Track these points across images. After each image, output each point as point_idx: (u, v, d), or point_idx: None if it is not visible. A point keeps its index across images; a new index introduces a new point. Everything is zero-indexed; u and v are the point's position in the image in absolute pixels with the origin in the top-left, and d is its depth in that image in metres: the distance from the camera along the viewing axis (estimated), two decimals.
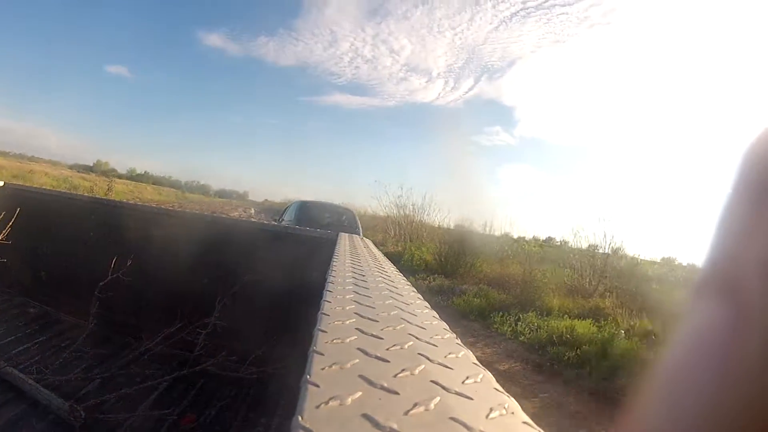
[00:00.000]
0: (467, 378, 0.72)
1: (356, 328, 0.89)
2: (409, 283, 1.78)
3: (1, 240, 3.87)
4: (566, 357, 7.17)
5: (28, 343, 3.45)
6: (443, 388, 0.65)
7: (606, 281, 11.95)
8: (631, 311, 9.76)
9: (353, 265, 1.90)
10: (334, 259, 1.98)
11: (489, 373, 0.78)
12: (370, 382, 0.62)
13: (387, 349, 0.79)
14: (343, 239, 3.27)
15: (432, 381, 0.67)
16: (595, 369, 6.75)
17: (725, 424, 0.21)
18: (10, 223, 3.96)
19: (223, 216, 4.20)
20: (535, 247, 17.79)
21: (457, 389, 0.66)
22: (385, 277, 1.77)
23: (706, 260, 0.25)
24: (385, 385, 0.62)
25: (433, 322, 1.11)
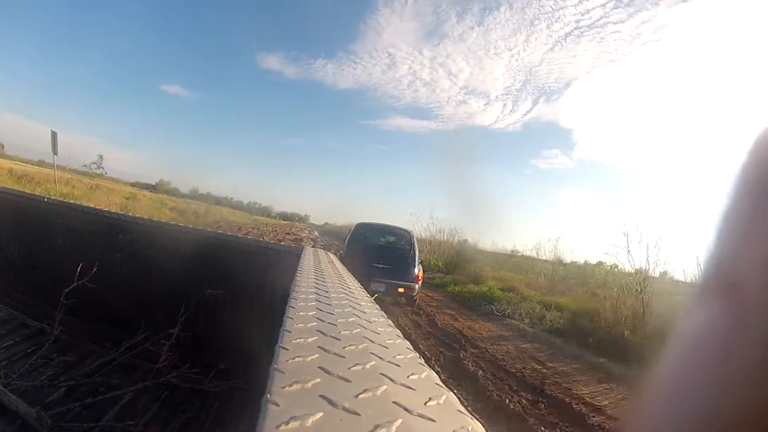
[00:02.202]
0: (430, 399, 0.72)
1: (318, 346, 0.88)
2: (372, 300, 1.77)
3: None
4: (473, 298, 14.15)
5: None
6: (405, 409, 0.65)
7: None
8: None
9: (317, 281, 1.86)
10: (298, 274, 1.95)
11: (452, 394, 0.78)
12: (332, 403, 0.62)
13: (349, 369, 0.79)
14: (308, 254, 3.24)
15: (394, 402, 0.67)
16: (479, 302, 13.61)
17: (727, 424, 0.22)
18: None
19: (184, 225, 4.09)
20: (544, 263, 20.72)
21: (419, 411, 0.66)
22: (348, 293, 1.75)
23: (708, 260, 0.26)
24: (347, 405, 0.62)
25: (396, 341, 1.11)
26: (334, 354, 0.86)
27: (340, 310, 1.33)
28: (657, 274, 11.95)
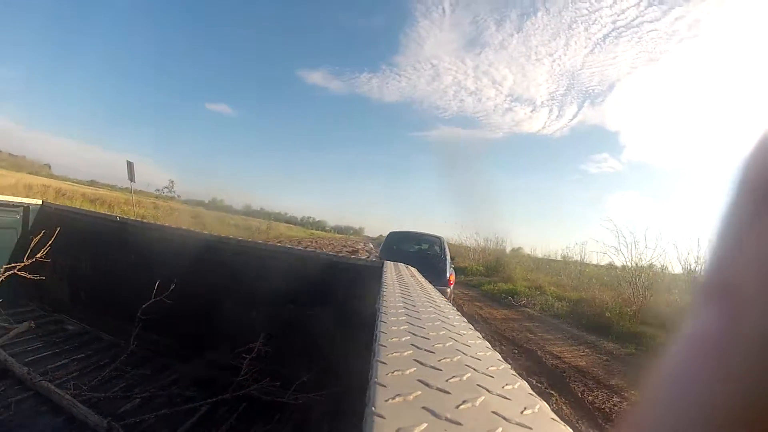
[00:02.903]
0: (525, 408, 0.75)
1: (414, 360, 0.91)
2: (459, 313, 1.77)
3: (41, 258, 3.82)
4: (501, 294, 17.06)
5: (65, 360, 3.35)
6: (504, 419, 0.67)
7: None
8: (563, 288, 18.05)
9: (403, 296, 1.88)
10: (383, 289, 1.97)
11: (545, 403, 0.80)
12: (435, 414, 0.63)
13: (447, 381, 0.81)
14: (389, 268, 3.22)
15: (493, 412, 0.69)
16: (505, 297, 16.34)
17: (726, 427, 0.21)
18: (50, 242, 3.95)
19: (263, 242, 4.05)
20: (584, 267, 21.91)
21: (517, 420, 0.68)
22: (435, 307, 1.77)
23: (708, 264, 0.26)
24: (449, 416, 0.63)
25: (487, 353, 1.13)
26: (431, 367, 0.88)
27: (430, 323, 1.36)
28: (663, 270, 14.79)
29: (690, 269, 14.04)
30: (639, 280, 13.86)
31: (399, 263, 3.96)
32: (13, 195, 4.65)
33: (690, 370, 0.24)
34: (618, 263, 16.68)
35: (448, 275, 10.31)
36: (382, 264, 3.48)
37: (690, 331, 0.26)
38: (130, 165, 17.93)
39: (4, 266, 3.64)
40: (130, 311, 3.57)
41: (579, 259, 22.57)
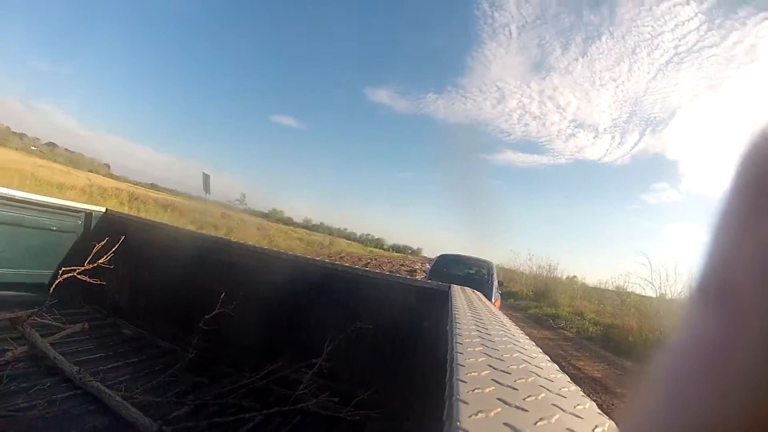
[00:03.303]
0: (596, 427, 0.78)
1: (492, 379, 0.93)
2: (528, 337, 1.79)
3: (103, 264, 3.78)
4: (544, 317, 18.21)
5: (118, 362, 3.29)
6: None
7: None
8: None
9: (474, 319, 1.90)
10: (454, 312, 1.97)
11: (612, 422, 0.82)
12: (515, 429, 0.66)
13: (524, 399, 0.83)
14: (457, 292, 3.14)
15: (567, 429, 0.73)
16: (547, 320, 17.54)
17: (724, 429, 0.21)
18: (114, 249, 3.95)
19: (330, 262, 4.04)
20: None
21: None
22: (506, 331, 1.79)
23: (703, 265, 0.25)
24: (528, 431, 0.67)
25: (558, 375, 1.15)
26: (508, 386, 0.90)
27: (503, 345, 1.39)
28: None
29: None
30: (662, 310, 15.88)
31: (466, 288, 3.87)
32: (88, 197, 4.74)
33: (686, 373, 0.24)
34: (651, 294, 18.46)
35: (493, 300, 10.08)
36: (449, 287, 3.39)
37: (686, 333, 0.25)
38: (206, 177, 19.66)
39: (63, 269, 3.57)
40: (189, 320, 3.64)
41: (623, 288, 22.55)
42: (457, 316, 1.84)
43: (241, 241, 4.62)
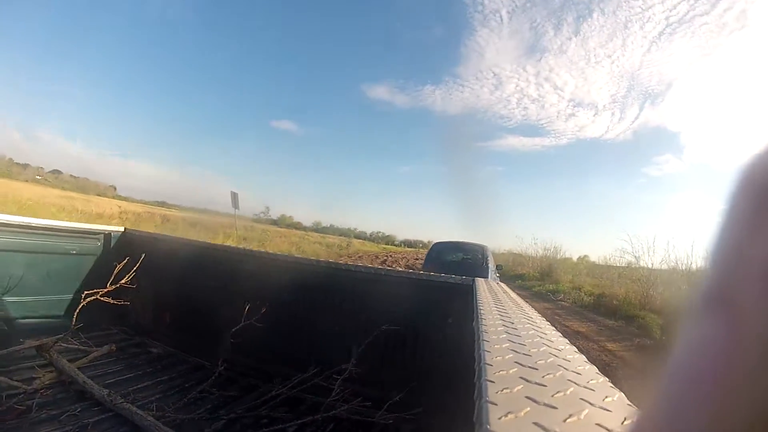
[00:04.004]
0: (626, 419, 0.77)
1: (520, 377, 0.92)
2: (554, 328, 1.77)
3: (125, 284, 3.78)
4: (546, 292, 20.67)
5: (148, 382, 3.28)
6: (608, 430, 0.70)
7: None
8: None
9: (500, 313, 1.88)
10: (480, 308, 1.95)
11: None
12: (545, 429, 0.65)
13: (552, 396, 0.83)
14: (481, 286, 3.14)
15: (597, 424, 0.72)
16: (548, 294, 20.00)
17: None
18: (135, 268, 3.94)
19: (350, 264, 4.10)
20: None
21: (620, 430, 0.71)
22: (533, 324, 1.77)
23: (705, 273, 0.25)
24: (558, 430, 0.66)
25: (586, 367, 1.15)
26: (536, 383, 0.90)
27: (530, 340, 1.38)
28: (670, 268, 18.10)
29: (686, 267, 17.55)
30: (641, 278, 17.77)
31: (490, 280, 3.91)
32: (131, 223, 4.81)
33: (690, 379, 0.24)
34: (642, 266, 20.01)
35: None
36: (473, 281, 3.38)
37: (690, 340, 0.25)
38: (234, 195, 22.14)
39: (85, 292, 3.57)
40: (216, 334, 3.61)
41: (616, 263, 24.33)
42: (482, 311, 1.84)
43: (262, 250, 4.60)
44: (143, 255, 4.10)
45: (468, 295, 2.95)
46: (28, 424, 2.40)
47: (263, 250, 4.88)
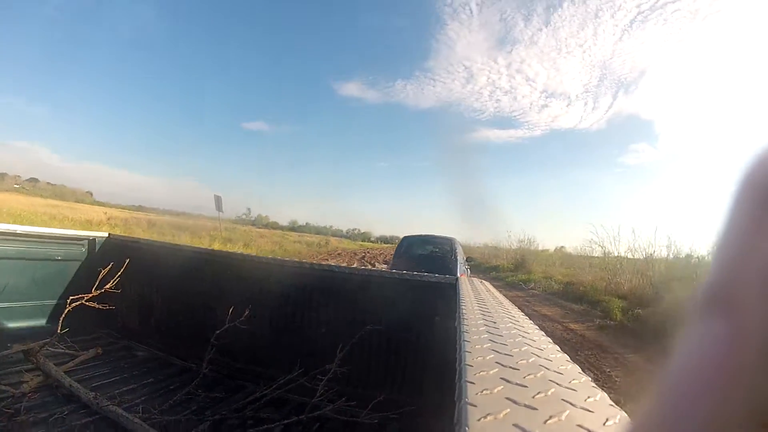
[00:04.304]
0: (608, 420, 0.78)
1: (501, 378, 0.93)
2: (537, 327, 1.80)
3: (110, 288, 3.81)
4: (518, 282, 22.35)
5: (134, 384, 3.31)
6: (589, 431, 0.71)
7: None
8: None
9: (482, 313, 1.89)
10: (462, 307, 1.96)
11: (624, 413, 0.83)
12: (524, 431, 0.66)
13: (533, 397, 0.84)
14: (464, 284, 3.18)
15: (578, 425, 0.73)
16: (520, 284, 21.62)
17: None
18: (119, 273, 3.95)
19: (334, 265, 4.09)
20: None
21: None
22: (515, 323, 1.79)
23: (707, 277, 0.25)
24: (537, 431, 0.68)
25: (568, 366, 1.16)
26: (517, 384, 0.91)
27: (512, 339, 1.39)
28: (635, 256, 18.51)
29: (647, 254, 18.08)
30: (608, 266, 18.90)
31: (473, 278, 3.99)
32: (121, 230, 4.84)
33: (691, 384, 0.24)
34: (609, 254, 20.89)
35: (458, 273, 10.14)
36: (456, 280, 3.43)
37: (690, 345, 0.25)
38: (217, 198, 22.62)
39: (71, 297, 3.58)
40: (201, 336, 3.59)
41: (588, 252, 25.11)
42: (464, 311, 1.84)
43: (244, 252, 4.62)
44: (128, 260, 4.12)
45: (453, 293, 2.96)
46: (16, 427, 2.42)
47: (247, 253, 4.90)
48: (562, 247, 32.03)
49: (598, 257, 22.13)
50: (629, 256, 18.83)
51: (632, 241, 18.93)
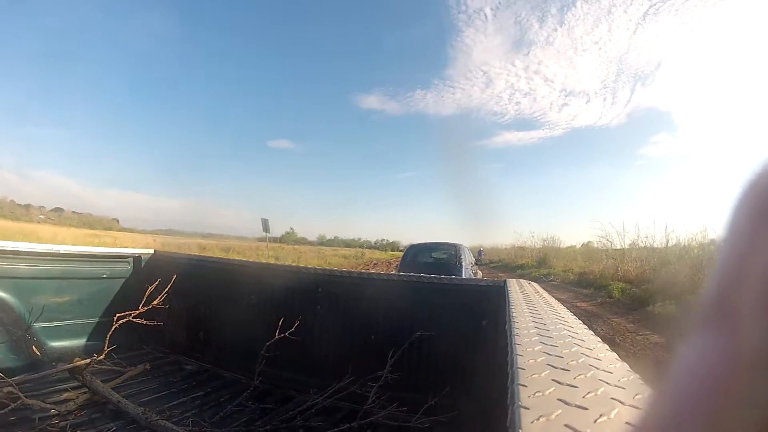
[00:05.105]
0: None
1: (552, 379, 0.93)
2: (585, 326, 1.79)
3: (158, 304, 3.82)
4: (540, 276, 23.99)
5: (183, 398, 3.30)
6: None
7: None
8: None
9: (532, 315, 1.89)
10: (512, 309, 1.96)
11: None
12: (575, 431, 0.66)
13: (584, 397, 0.84)
14: (513, 286, 3.14)
15: (626, 423, 0.72)
16: (541, 277, 23.28)
17: None
18: (167, 288, 3.97)
19: (383, 273, 4.12)
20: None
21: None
22: (564, 323, 1.77)
23: (708, 290, 0.25)
24: (588, 431, 0.67)
25: (617, 365, 1.15)
26: (567, 385, 0.90)
27: (561, 341, 1.37)
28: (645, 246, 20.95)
29: (647, 244, 21.08)
30: (615, 256, 21.52)
31: (522, 280, 3.87)
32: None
33: (691, 393, 0.23)
34: (615, 246, 23.80)
35: (464, 276, 10.77)
36: (504, 282, 3.38)
37: (691, 354, 0.25)
38: (264, 221, 24.22)
39: (118, 314, 3.59)
40: (249, 348, 3.62)
41: (600, 246, 27.10)
42: (514, 314, 1.83)
43: (287, 264, 4.62)
44: (174, 276, 4.13)
45: (500, 296, 2.96)
46: None
47: (294, 265, 4.88)
48: (589, 242, 32.86)
49: (614, 249, 23.97)
50: (638, 245, 21.57)
51: (636, 234, 22.31)
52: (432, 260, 12.34)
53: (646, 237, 21.55)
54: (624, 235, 23.13)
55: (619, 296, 14.56)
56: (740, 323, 0.22)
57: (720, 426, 0.21)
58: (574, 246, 35.68)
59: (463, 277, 10.33)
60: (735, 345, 0.22)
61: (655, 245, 20.74)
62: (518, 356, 1.10)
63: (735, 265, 0.24)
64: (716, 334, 0.23)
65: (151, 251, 4.93)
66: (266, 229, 23.74)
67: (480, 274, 13.56)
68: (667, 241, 20.06)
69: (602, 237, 24.72)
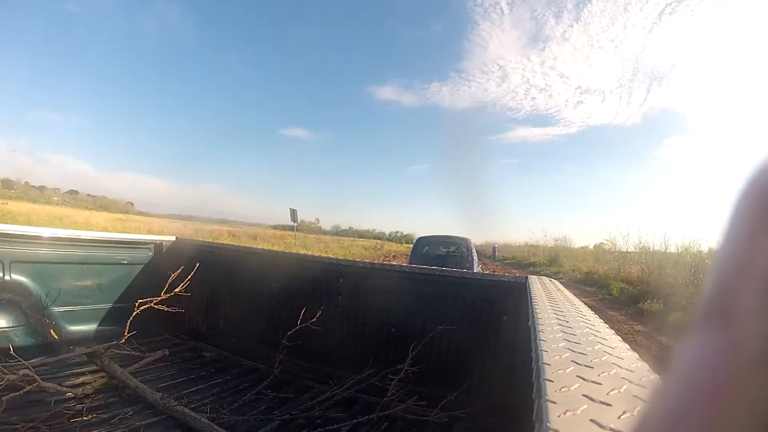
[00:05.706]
0: None
1: (577, 376, 0.95)
2: (607, 326, 1.80)
3: (180, 292, 3.78)
4: (550, 274, 20.80)
5: (202, 385, 3.30)
6: None
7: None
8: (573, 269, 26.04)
9: (555, 312, 1.89)
10: (535, 307, 1.96)
11: None
12: (601, 426, 0.68)
13: (608, 394, 0.85)
14: (534, 283, 3.11)
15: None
16: (547, 274, 21.75)
17: None
18: (190, 276, 3.96)
19: (406, 266, 4.03)
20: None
21: None
22: (586, 322, 1.79)
23: (705, 291, 0.25)
24: (613, 426, 0.68)
25: (638, 364, 1.16)
26: (592, 382, 0.92)
27: (585, 339, 1.39)
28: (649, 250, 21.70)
29: (645, 248, 22.02)
30: (617, 257, 23.06)
31: (543, 277, 3.90)
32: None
33: (689, 397, 0.23)
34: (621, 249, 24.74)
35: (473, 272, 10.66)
36: (525, 279, 3.40)
37: (689, 357, 0.24)
38: (293, 211, 24.99)
39: (139, 300, 3.58)
40: (270, 337, 3.76)
41: (608, 247, 28.14)
42: (537, 310, 1.85)
43: (310, 254, 4.59)
44: (197, 264, 4.10)
45: (521, 292, 3.04)
46: (78, 427, 2.41)
47: (317, 255, 4.86)
48: (602, 243, 33.22)
49: (622, 252, 24.73)
50: (642, 249, 22.47)
51: (639, 238, 23.23)
52: (444, 253, 12.46)
53: (647, 242, 22.78)
54: (628, 239, 24.37)
55: (617, 294, 16.09)
56: (740, 323, 0.22)
57: (720, 425, 0.21)
58: (587, 246, 36.76)
59: (474, 271, 10.59)
60: (735, 344, 0.22)
61: (655, 250, 21.93)
62: (543, 352, 1.12)
63: (735, 265, 0.23)
64: (716, 333, 0.23)
65: (173, 238, 4.95)
66: (294, 219, 24.47)
67: (481, 269, 13.55)
68: (666, 247, 21.29)
69: (607, 240, 26.33)
